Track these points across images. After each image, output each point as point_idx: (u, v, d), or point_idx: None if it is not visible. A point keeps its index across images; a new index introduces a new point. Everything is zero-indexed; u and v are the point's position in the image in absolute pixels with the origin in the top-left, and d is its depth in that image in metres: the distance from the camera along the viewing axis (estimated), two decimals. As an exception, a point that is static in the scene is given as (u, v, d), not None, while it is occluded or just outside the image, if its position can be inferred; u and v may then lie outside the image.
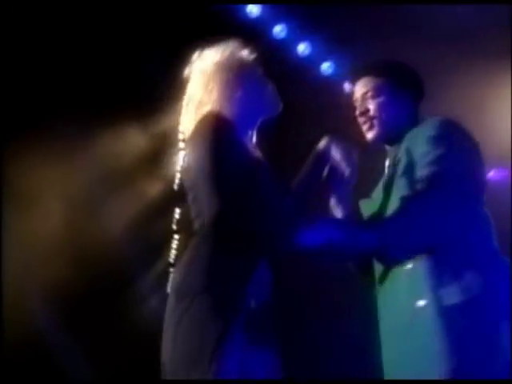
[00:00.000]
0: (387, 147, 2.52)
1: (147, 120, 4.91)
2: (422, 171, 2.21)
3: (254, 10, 4.66)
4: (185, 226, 5.68)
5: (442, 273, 2.14)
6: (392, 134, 2.45)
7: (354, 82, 2.57)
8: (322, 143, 2.49)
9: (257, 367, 2.09)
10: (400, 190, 2.27)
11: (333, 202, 2.44)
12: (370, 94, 2.48)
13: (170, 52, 4.63)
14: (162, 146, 5.09)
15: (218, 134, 2.21)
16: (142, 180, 5.21)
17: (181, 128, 2.44)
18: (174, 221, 5.73)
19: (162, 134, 5.04)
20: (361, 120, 2.49)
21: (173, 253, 5.82)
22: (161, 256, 5.81)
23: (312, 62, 5.10)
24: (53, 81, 4.57)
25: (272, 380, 2.13)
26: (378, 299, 2.35)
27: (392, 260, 2.23)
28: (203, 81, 2.40)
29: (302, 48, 5.02)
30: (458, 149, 2.26)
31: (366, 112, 2.47)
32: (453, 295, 2.11)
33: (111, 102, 4.71)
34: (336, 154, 2.42)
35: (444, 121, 2.34)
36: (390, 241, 2.17)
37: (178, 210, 5.72)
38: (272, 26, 4.85)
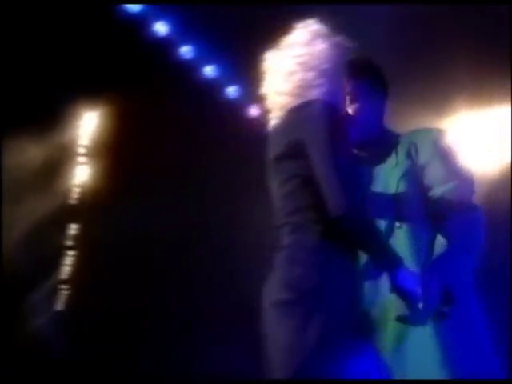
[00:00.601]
0: (354, 150, 2.49)
1: (45, 133, 4.78)
2: (445, 183, 2.29)
3: (161, 28, 4.63)
4: (81, 241, 5.54)
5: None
6: (366, 137, 2.43)
7: None
8: None
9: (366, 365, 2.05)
10: (406, 194, 2.30)
11: None
12: (347, 97, 2.42)
13: (73, 64, 4.55)
14: (59, 160, 4.97)
15: (338, 132, 2.11)
16: (37, 193, 5.06)
17: (268, 94, 2.27)
18: (69, 236, 5.58)
19: (59, 147, 4.93)
20: None
21: (66, 269, 5.66)
22: (52, 272, 5.65)
23: (218, 84, 5.10)
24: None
25: (270, 380, 2.09)
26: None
27: None
28: (320, 56, 2.22)
29: (209, 70, 5.01)
30: (463, 160, 2.39)
31: None
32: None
33: (8, 114, 4.56)
34: None
35: (443, 130, 2.43)
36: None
37: (73, 226, 5.57)
38: (180, 46, 4.82)
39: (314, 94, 2.18)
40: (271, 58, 2.29)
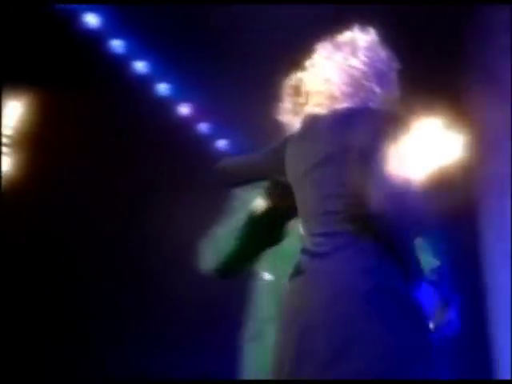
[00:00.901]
0: None
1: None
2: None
3: (92, 20, 4.54)
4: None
5: None
6: None
7: None
8: None
9: None
10: None
11: None
12: None
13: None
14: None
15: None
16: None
17: (312, 81, 2.25)
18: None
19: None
20: None
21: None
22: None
23: (149, 80, 5.05)
24: None
25: (264, 380, 2.04)
26: None
27: None
28: (380, 60, 2.23)
29: (141, 65, 4.96)
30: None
31: None
32: None
33: None
34: None
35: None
36: None
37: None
38: (110, 40, 4.74)
39: (367, 93, 2.20)
40: (327, 49, 2.27)
